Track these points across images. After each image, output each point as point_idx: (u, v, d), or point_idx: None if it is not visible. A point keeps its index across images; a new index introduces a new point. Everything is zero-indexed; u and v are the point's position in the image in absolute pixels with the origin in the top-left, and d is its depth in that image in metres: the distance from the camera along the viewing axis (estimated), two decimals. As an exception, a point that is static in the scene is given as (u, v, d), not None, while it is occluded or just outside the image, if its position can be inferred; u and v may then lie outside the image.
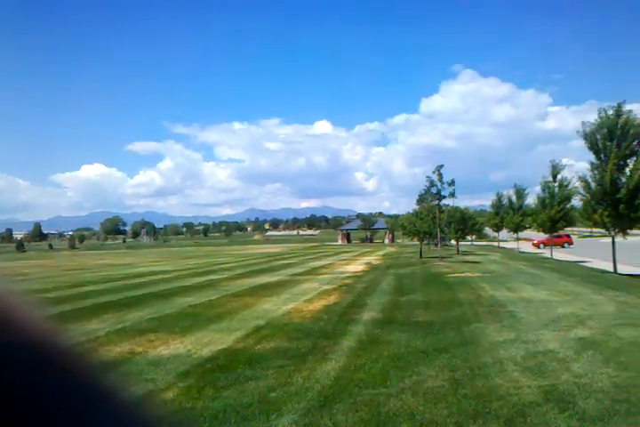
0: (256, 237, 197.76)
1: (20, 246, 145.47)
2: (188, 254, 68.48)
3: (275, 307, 15.01)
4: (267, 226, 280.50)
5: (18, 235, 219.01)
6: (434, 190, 33.50)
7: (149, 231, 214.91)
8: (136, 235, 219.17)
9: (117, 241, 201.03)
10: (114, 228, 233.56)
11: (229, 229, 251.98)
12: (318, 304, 15.24)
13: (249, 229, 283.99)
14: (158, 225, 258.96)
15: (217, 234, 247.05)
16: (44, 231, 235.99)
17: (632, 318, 11.32)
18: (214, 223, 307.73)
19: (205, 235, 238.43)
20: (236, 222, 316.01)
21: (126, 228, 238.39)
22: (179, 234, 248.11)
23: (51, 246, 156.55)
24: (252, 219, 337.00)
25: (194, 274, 29.84)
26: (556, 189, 32.90)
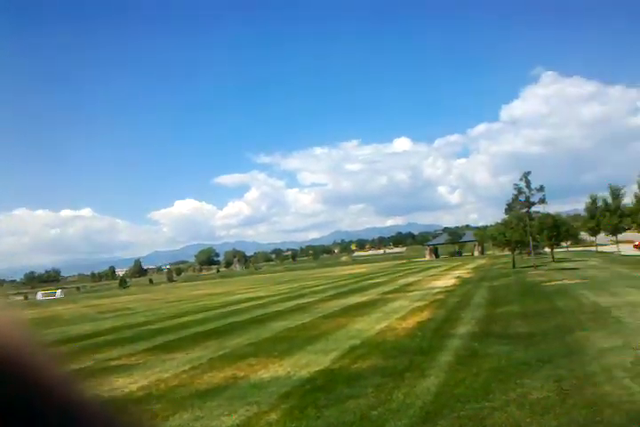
0: (343, 258, 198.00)
1: (123, 282, 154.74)
2: (279, 280, 69.56)
3: (368, 326, 15.00)
4: (353, 247, 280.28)
5: (120, 271, 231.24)
6: (522, 198, 32.62)
7: (241, 260, 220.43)
8: (229, 264, 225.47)
9: (212, 271, 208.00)
10: (207, 259, 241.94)
11: (317, 253, 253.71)
12: (411, 321, 15.09)
13: (336, 251, 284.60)
14: (249, 253, 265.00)
15: (305, 258, 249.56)
16: (144, 267, 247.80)
17: None
18: (302, 248, 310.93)
19: (294, 260, 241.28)
20: (323, 245, 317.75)
21: (219, 258, 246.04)
22: (269, 261, 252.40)
23: (151, 281, 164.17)
24: (339, 241, 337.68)
25: (286, 298, 30.29)
26: (655, 186, 31.07)
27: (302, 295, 31.67)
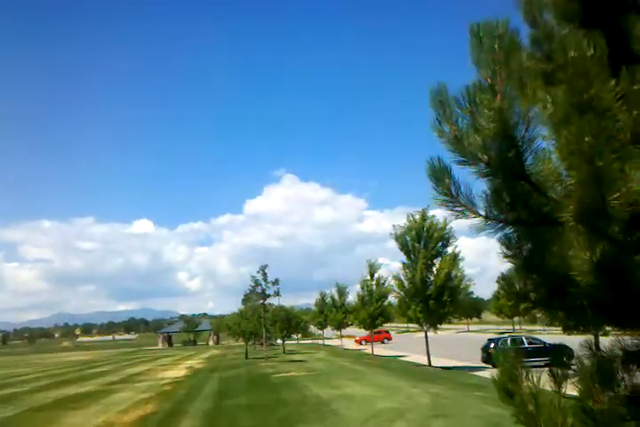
0: (65, 343, 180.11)
1: None
2: (-18, 366, 59.83)
3: (83, 420, 13.53)
4: (77, 331, 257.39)
5: None
6: (259, 290, 33.63)
7: None
8: None
9: None
10: None
11: (33, 336, 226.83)
12: (134, 415, 14.01)
13: (57, 335, 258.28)
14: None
15: (19, 342, 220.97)
16: None
17: (444, 409, 11.93)
18: (15, 330, 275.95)
19: (4, 343, 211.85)
20: (42, 328, 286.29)
21: None
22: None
23: None
24: (61, 324, 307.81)
25: (-13, 389, 26.02)
26: (374, 287, 34.70)
27: (9, 385, 27.57)
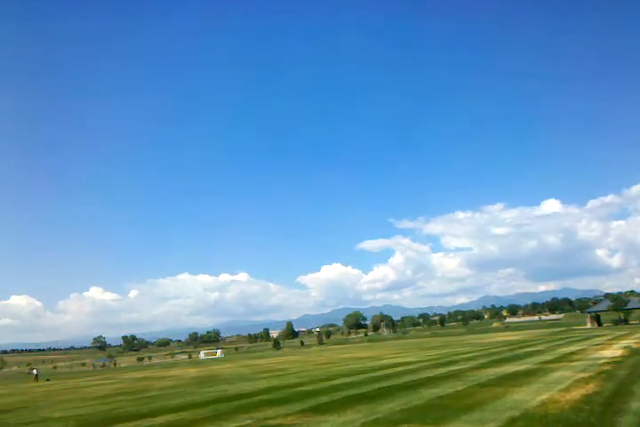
0: (494, 324, 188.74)
1: (277, 344, 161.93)
2: (428, 345, 67.67)
3: (527, 397, 14.20)
4: (504, 313, 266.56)
5: (274, 333, 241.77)
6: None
7: (388, 324, 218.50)
8: (376, 328, 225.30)
9: (359, 335, 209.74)
10: (355, 322, 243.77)
11: (466, 318, 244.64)
12: (576, 393, 14.06)
13: (486, 316, 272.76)
14: (395, 317, 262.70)
15: (453, 323, 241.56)
16: (295, 329, 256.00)
17: None
18: (449, 313, 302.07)
19: (442, 325, 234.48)
20: (472, 311, 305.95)
21: (367, 322, 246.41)
22: (416, 325, 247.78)
23: (302, 343, 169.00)
24: (488, 306, 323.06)
25: (436, 365, 29.45)
26: None
27: (453, 362, 30.60)
